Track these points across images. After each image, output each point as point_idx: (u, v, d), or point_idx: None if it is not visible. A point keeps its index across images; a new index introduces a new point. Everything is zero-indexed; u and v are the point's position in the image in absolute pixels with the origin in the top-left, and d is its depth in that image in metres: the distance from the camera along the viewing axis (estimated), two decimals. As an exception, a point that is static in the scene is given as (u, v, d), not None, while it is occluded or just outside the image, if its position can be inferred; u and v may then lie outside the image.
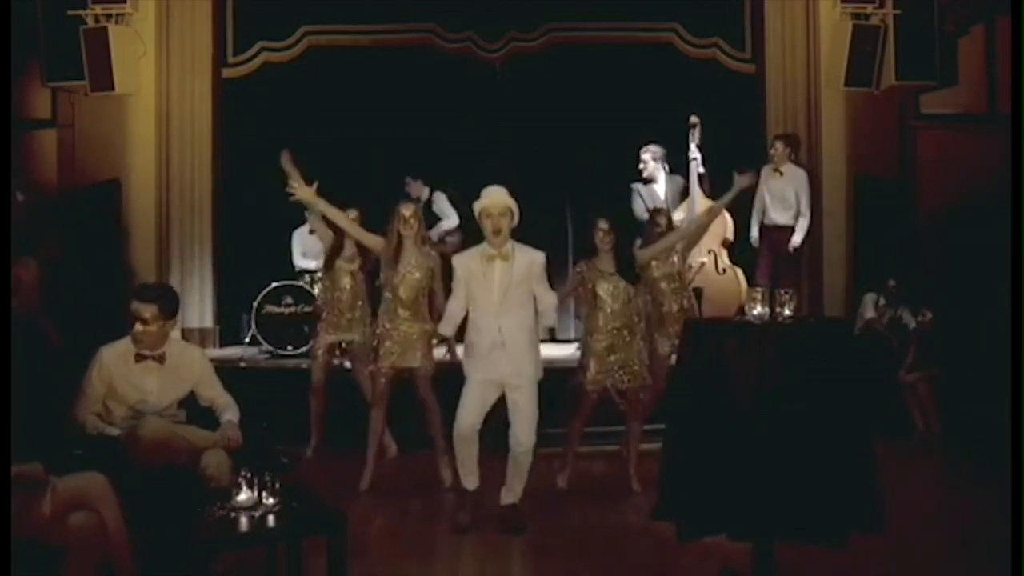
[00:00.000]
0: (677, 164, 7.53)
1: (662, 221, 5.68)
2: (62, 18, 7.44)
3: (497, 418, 4.60)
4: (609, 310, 5.11)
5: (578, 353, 5.46)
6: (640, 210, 7.34)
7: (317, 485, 5.02)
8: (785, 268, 7.39)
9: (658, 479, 3.43)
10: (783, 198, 7.34)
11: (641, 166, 7.39)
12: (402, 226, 5.15)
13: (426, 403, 5.27)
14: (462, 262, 4.60)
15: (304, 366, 6.95)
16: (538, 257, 4.59)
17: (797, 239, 7.31)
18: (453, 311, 4.64)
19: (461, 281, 4.55)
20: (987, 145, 7.22)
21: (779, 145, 7.41)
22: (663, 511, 3.38)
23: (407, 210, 5.21)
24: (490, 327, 4.45)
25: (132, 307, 3.84)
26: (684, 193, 7.43)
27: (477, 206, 4.55)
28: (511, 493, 4.62)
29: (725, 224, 7.36)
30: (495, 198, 4.54)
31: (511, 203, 4.54)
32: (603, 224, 5.12)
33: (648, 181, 7.43)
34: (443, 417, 5.15)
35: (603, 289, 5.12)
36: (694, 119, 7.41)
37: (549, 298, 4.61)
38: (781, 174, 7.35)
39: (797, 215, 7.32)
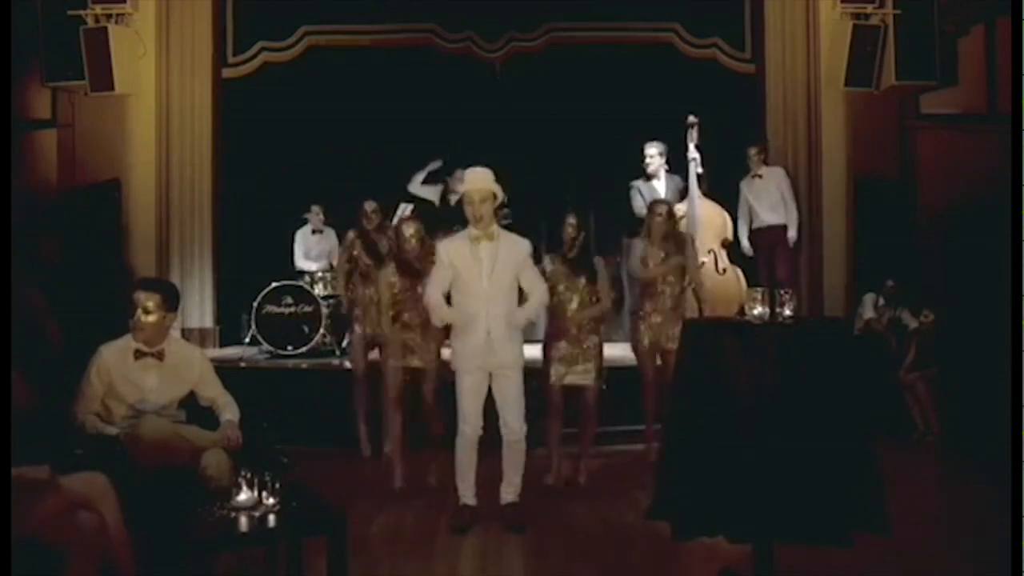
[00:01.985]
0: (676, 164, 7.54)
1: (662, 210, 5.69)
2: (62, 18, 7.45)
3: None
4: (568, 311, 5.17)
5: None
6: (640, 207, 7.35)
7: (317, 485, 5.07)
8: (783, 266, 7.45)
9: (654, 479, 3.42)
10: (770, 198, 7.48)
11: (648, 160, 7.40)
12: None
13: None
14: (449, 246, 4.58)
15: (304, 366, 6.98)
16: (523, 244, 4.60)
17: (793, 233, 7.48)
18: (436, 299, 4.54)
19: (445, 265, 4.51)
20: (987, 145, 7.22)
21: (753, 152, 7.57)
22: (657, 511, 3.39)
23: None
24: (478, 309, 4.44)
25: (134, 297, 3.85)
26: (683, 193, 7.45)
27: (460, 190, 4.55)
28: (511, 488, 4.62)
29: (725, 224, 7.40)
30: (476, 185, 4.50)
31: (493, 187, 4.51)
32: (571, 219, 5.22)
33: (650, 177, 7.44)
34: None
35: (563, 288, 5.18)
36: (692, 119, 7.43)
37: (540, 289, 4.61)
38: (761, 177, 7.52)
39: (786, 212, 7.48)
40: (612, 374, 5.48)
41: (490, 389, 4.56)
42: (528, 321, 4.64)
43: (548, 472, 5.30)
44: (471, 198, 4.47)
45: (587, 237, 5.28)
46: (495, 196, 4.52)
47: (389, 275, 5.22)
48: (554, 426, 5.27)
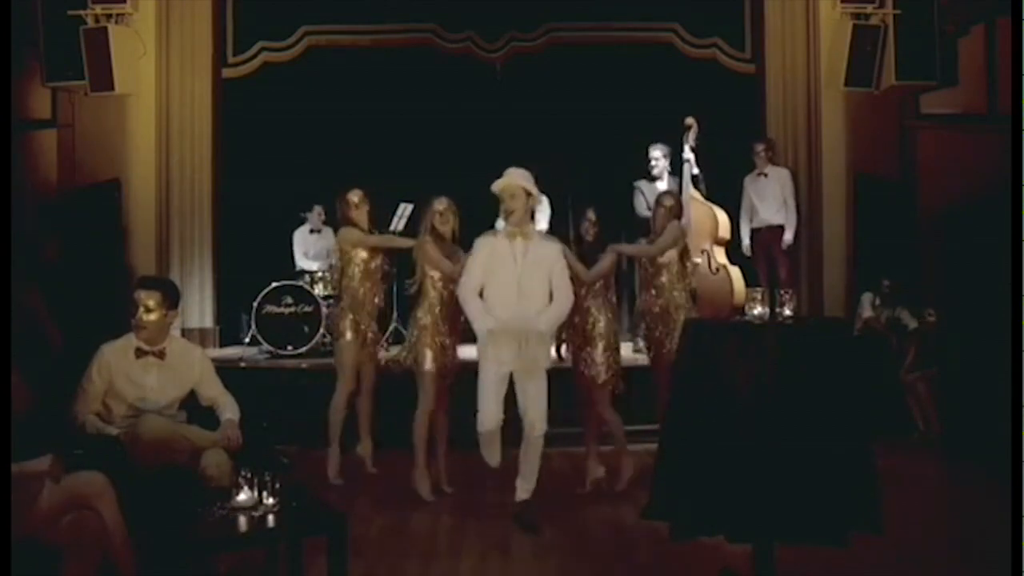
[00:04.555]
0: (675, 165, 7.54)
1: (666, 201, 5.48)
2: (62, 18, 7.45)
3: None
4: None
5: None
6: (642, 207, 7.35)
7: (317, 485, 5.06)
8: (783, 266, 7.46)
9: (652, 478, 3.43)
10: (773, 197, 7.49)
11: (653, 163, 7.41)
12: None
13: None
14: (486, 240, 4.65)
15: (304, 366, 6.98)
16: (556, 245, 4.68)
17: (789, 236, 7.49)
18: (474, 299, 4.57)
19: (480, 259, 4.57)
20: (987, 145, 7.22)
21: (760, 149, 7.57)
22: (654, 510, 3.38)
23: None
24: (507, 305, 4.49)
25: (135, 295, 3.86)
26: (678, 193, 7.44)
27: (494, 188, 4.62)
28: (526, 484, 4.65)
29: (717, 222, 7.35)
30: (506, 180, 4.61)
31: (525, 184, 4.60)
32: (590, 215, 5.17)
33: (655, 179, 7.46)
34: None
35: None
36: (689, 120, 7.44)
37: (565, 295, 4.62)
38: (766, 175, 7.52)
39: (785, 214, 7.50)
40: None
41: (512, 387, 4.59)
42: (549, 327, 4.63)
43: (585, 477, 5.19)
44: (501, 195, 4.59)
45: (604, 233, 5.19)
46: (528, 194, 4.60)
47: (430, 250, 5.00)
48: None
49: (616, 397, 5.18)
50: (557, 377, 5.10)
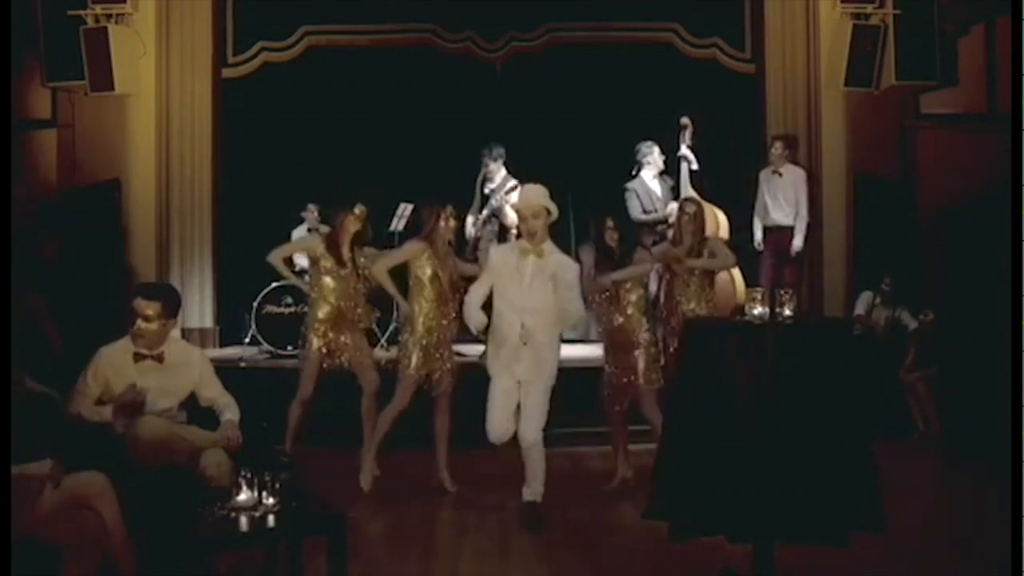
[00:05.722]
0: (669, 165, 7.54)
1: (690, 209, 5.57)
2: (62, 18, 7.46)
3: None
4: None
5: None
6: (636, 211, 7.34)
7: (317, 485, 5.05)
8: (789, 269, 7.43)
9: (652, 478, 3.43)
10: (785, 198, 7.44)
11: (649, 162, 7.41)
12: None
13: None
14: (499, 252, 4.78)
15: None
16: (571, 268, 4.66)
17: (798, 241, 7.43)
18: (470, 297, 4.69)
19: (492, 271, 4.66)
20: (987, 145, 7.22)
21: (779, 146, 7.50)
22: (654, 510, 3.39)
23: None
24: (514, 320, 4.54)
25: (134, 304, 3.84)
26: (675, 193, 7.45)
27: (513, 208, 4.67)
28: (530, 491, 4.66)
29: (718, 223, 7.35)
30: (527, 200, 4.66)
31: (545, 203, 4.62)
32: (610, 223, 5.17)
33: (641, 177, 7.45)
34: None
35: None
36: (684, 120, 7.46)
37: (577, 306, 4.65)
38: (781, 175, 7.42)
39: (797, 215, 7.42)
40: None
41: None
42: (553, 331, 4.65)
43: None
44: (523, 214, 4.64)
45: (626, 240, 5.19)
46: (548, 212, 4.62)
47: (424, 256, 5.03)
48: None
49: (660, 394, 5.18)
50: (560, 377, 5.12)
